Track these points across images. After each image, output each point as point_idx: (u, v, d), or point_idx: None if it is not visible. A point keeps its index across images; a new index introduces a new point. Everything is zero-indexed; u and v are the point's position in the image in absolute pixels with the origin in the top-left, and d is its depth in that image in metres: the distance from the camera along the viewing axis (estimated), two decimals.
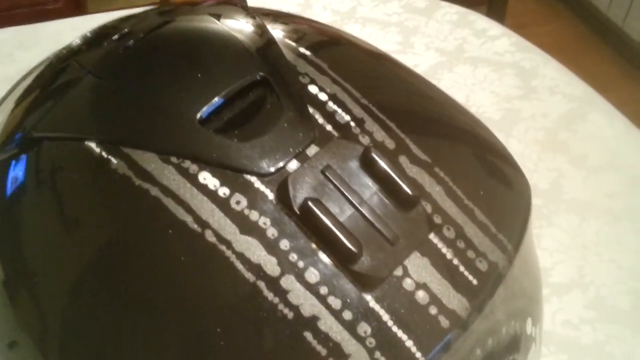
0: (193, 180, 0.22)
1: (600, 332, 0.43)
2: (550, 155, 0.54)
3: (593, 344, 0.43)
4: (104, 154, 0.23)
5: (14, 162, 0.25)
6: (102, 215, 0.23)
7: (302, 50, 0.26)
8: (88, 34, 0.28)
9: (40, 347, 0.25)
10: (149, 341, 0.22)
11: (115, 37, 0.26)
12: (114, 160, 0.23)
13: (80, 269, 0.23)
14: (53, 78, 0.26)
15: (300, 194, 0.21)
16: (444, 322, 0.21)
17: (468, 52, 0.66)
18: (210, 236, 0.21)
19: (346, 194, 0.21)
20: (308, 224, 0.21)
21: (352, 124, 0.23)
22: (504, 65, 0.65)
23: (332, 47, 0.28)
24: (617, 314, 0.44)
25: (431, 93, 0.28)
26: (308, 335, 0.20)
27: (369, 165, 0.22)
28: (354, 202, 0.21)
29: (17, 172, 0.25)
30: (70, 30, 0.69)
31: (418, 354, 0.21)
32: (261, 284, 0.21)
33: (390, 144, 0.23)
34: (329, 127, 0.23)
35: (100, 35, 0.28)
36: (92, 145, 0.23)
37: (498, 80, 0.63)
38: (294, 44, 0.26)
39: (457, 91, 0.62)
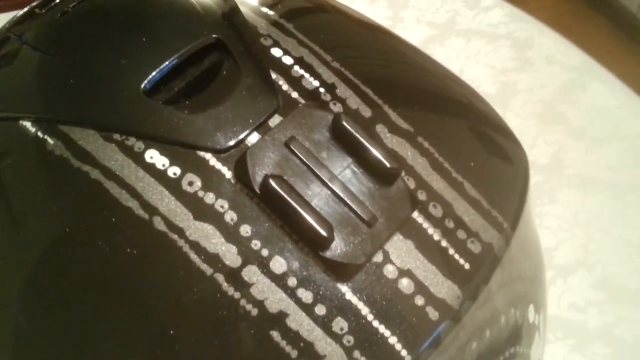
0: (138, 159, 0.19)
1: (609, 314, 0.41)
2: (549, 128, 0.52)
3: (601, 327, 0.40)
4: (39, 133, 0.20)
5: None
6: (39, 203, 0.20)
7: (264, 10, 0.23)
8: (26, 8, 0.25)
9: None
10: (100, 343, 0.19)
11: (53, 4, 0.23)
12: (50, 141, 0.20)
13: (19, 269, 0.20)
14: None
15: (261, 171, 0.18)
16: (433, 313, 0.18)
17: (460, 25, 0.63)
18: (159, 224, 0.18)
19: (314, 169, 0.18)
20: (271, 205, 0.18)
21: (322, 89, 0.20)
22: (498, 36, 0.62)
23: (302, 9, 0.24)
24: (626, 293, 0.42)
25: (421, 62, 0.25)
26: (275, 335, 0.18)
27: (340, 136, 0.19)
28: (324, 178, 0.18)
29: None
30: None
31: (404, 352, 0.18)
32: (220, 277, 0.18)
33: (365, 112, 0.20)
34: (294, 94, 0.20)
35: (38, 5, 0.24)
36: (27, 124, 0.20)
37: (492, 52, 0.61)
38: (254, 3, 0.23)
39: (450, 65, 0.59)
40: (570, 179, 0.48)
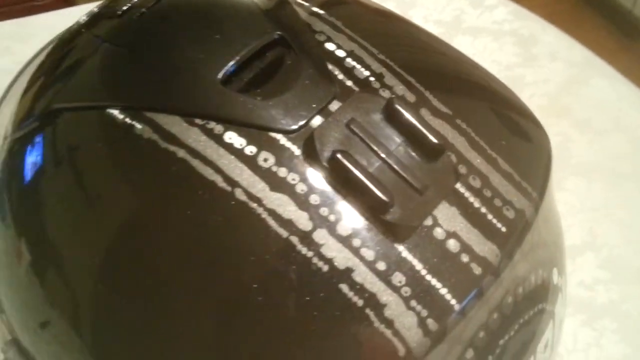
0: (219, 140, 0.22)
1: (615, 292, 0.44)
2: (555, 120, 0.54)
3: (609, 304, 0.43)
4: (127, 119, 0.23)
5: (34, 136, 0.25)
6: (129, 181, 0.23)
7: (314, 9, 0.26)
8: (95, 10, 0.28)
9: (73, 323, 0.25)
10: (185, 306, 0.22)
11: (125, 7, 0.26)
12: (138, 125, 0.22)
13: (109, 240, 0.23)
14: (67, 51, 0.26)
15: (326, 147, 0.21)
16: (477, 269, 0.21)
17: (466, 23, 0.66)
18: (240, 194, 0.21)
19: (372, 146, 0.21)
20: (337, 177, 0.21)
21: (372, 78, 0.23)
22: (503, 33, 0.65)
23: (343, 6, 0.27)
24: (631, 273, 0.45)
25: (445, 49, 0.28)
26: (344, 287, 0.21)
27: (392, 117, 0.22)
28: (381, 153, 0.21)
29: (38, 145, 0.25)
30: (64, 20, 0.68)
31: (453, 301, 0.21)
32: (294, 239, 0.21)
33: (410, 97, 0.23)
34: (349, 83, 0.23)
35: (109, 8, 0.27)
36: (115, 112, 0.23)
37: (498, 49, 0.64)
38: (306, 3, 0.26)
39: None
40: (576, 167, 0.51)
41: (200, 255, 0.21)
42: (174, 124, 0.22)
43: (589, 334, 0.41)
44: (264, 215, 0.21)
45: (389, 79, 0.23)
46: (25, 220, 0.26)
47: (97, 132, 0.24)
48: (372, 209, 0.21)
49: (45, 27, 0.67)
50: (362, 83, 0.23)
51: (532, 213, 0.23)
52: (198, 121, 0.22)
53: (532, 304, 0.24)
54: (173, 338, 0.22)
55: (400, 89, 0.23)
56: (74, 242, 0.24)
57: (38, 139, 0.25)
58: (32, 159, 0.26)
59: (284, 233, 0.21)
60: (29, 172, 0.26)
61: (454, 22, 0.66)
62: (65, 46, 0.27)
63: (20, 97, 0.29)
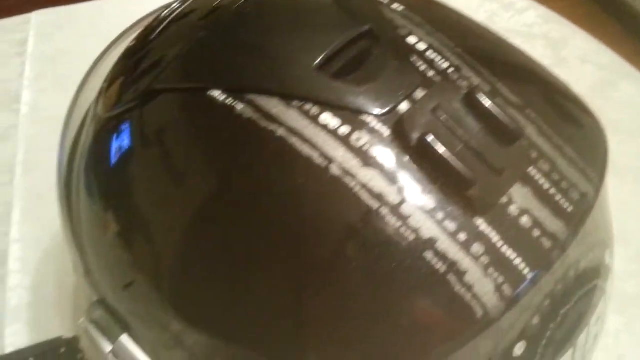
0: (315, 120, 0.24)
1: None
2: None
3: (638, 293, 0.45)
4: (228, 101, 0.25)
5: (133, 114, 0.28)
6: (229, 156, 0.25)
7: (394, 6, 0.28)
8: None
9: (157, 283, 0.27)
10: (277, 271, 0.24)
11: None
12: (238, 106, 0.25)
13: (206, 209, 0.25)
14: (166, 36, 0.29)
15: (414, 130, 0.24)
16: (547, 243, 0.24)
17: (498, 25, 0.68)
18: (335, 170, 0.23)
19: (455, 130, 0.24)
20: (424, 156, 0.23)
21: (451, 70, 0.26)
22: (533, 36, 0.67)
23: (418, 3, 0.30)
24: None
25: (505, 43, 0.30)
26: (428, 255, 0.23)
27: (472, 105, 0.24)
28: (463, 137, 0.24)
29: (137, 123, 0.28)
30: (105, 9, 0.71)
31: (526, 271, 0.23)
32: (384, 210, 0.23)
33: (486, 88, 0.26)
34: (430, 74, 0.25)
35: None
36: (216, 93, 0.25)
37: (529, 51, 0.66)
38: (386, 1, 0.28)
39: None
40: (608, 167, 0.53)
41: (297, 224, 0.24)
42: (273, 105, 0.24)
43: (618, 320, 0.43)
44: (357, 188, 0.23)
45: (466, 71, 0.26)
46: (115, 194, 0.28)
47: (198, 111, 0.26)
48: (456, 185, 0.23)
49: (87, 16, 0.69)
50: (443, 74, 0.25)
51: (593, 196, 0.25)
52: (296, 103, 0.24)
53: (589, 280, 0.26)
54: (255, 298, 0.24)
55: (476, 80, 0.26)
56: (167, 213, 0.26)
57: (137, 117, 0.28)
58: (130, 135, 0.28)
59: (374, 205, 0.23)
60: (125, 148, 0.28)
61: (486, 24, 0.69)
62: (162, 30, 0.29)
63: (110, 79, 0.31)
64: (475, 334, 0.23)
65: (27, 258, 0.48)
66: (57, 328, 0.43)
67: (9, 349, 0.43)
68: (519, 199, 0.24)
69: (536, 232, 0.24)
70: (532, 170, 0.24)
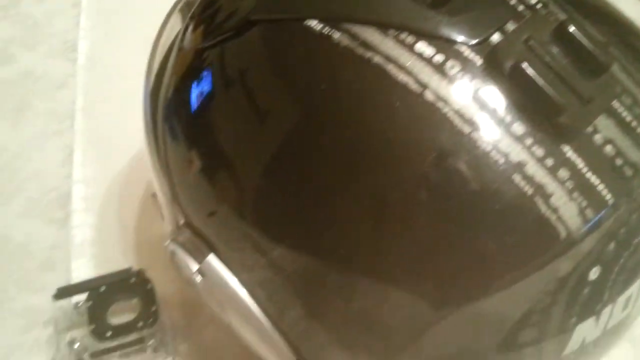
0: (410, 49, 0.25)
1: None
2: None
3: None
4: (325, 30, 0.26)
5: (229, 45, 0.29)
6: (326, 85, 0.26)
7: None
8: None
9: (240, 212, 0.29)
10: (366, 190, 0.25)
11: None
12: (335, 35, 0.26)
13: (298, 133, 0.27)
14: None
15: (507, 59, 0.25)
16: (628, 171, 0.25)
17: None
18: (429, 95, 0.25)
19: (546, 60, 0.25)
20: (516, 84, 0.24)
21: (539, 5, 0.27)
22: None
23: None
24: None
25: None
26: (516, 177, 0.24)
27: (563, 38, 0.25)
28: (554, 67, 0.25)
29: (232, 54, 0.29)
30: None
31: (608, 197, 0.24)
32: (476, 135, 0.24)
33: (572, 24, 0.27)
34: (520, 8, 0.26)
35: None
36: (313, 23, 0.27)
37: None
38: None
39: None
40: None
41: (392, 146, 0.25)
42: (369, 33, 0.26)
43: None
44: (450, 114, 0.24)
45: (553, 7, 0.27)
46: (210, 123, 0.30)
47: (295, 41, 0.27)
48: (546, 112, 0.24)
49: None
50: (532, 9, 0.26)
51: None
52: (392, 32, 0.25)
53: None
54: (334, 216, 0.26)
55: (562, 15, 0.27)
56: (261, 139, 0.28)
57: (232, 48, 0.29)
58: (224, 66, 0.29)
59: (466, 129, 0.24)
60: (218, 79, 0.30)
61: None
62: None
63: (200, 11, 0.32)
64: (559, 254, 0.24)
65: (90, 197, 0.50)
66: (119, 262, 0.45)
67: (75, 281, 0.45)
68: (603, 129, 0.25)
69: (618, 161, 0.25)
70: (615, 103, 0.26)
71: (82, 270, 0.46)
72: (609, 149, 0.25)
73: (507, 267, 0.25)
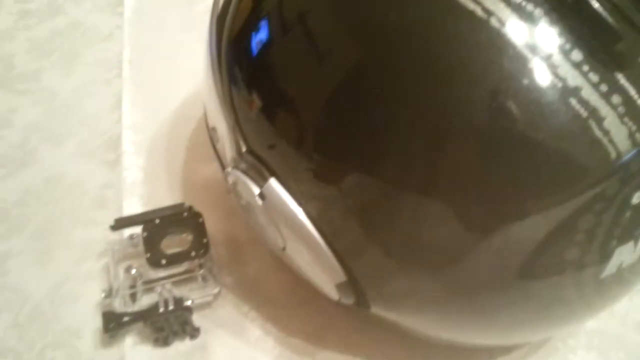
0: None
1: None
2: None
3: None
4: None
5: None
6: (394, 13, 0.28)
7: None
8: None
9: (296, 146, 0.31)
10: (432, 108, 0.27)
11: None
12: None
13: (364, 58, 0.29)
14: None
15: None
16: None
17: None
18: (494, 22, 0.26)
19: None
20: (577, 12, 0.26)
21: None
22: None
23: None
24: None
25: None
26: (572, 101, 0.26)
27: None
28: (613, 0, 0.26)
29: None
30: None
31: None
32: (536, 61, 0.26)
33: None
34: None
35: None
36: None
37: None
38: None
39: None
40: None
41: (455, 70, 0.27)
42: None
43: None
44: (513, 39, 0.26)
45: None
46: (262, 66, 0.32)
47: None
48: (603, 41, 0.26)
49: None
50: None
51: None
52: None
53: None
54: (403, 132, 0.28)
55: None
56: (325, 66, 0.30)
57: None
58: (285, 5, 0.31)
59: (528, 55, 0.26)
60: (278, 18, 0.32)
61: None
62: None
63: None
64: (609, 174, 0.26)
65: (139, 142, 0.53)
66: (167, 201, 0.47)
67: None
68: None
69: None
70: None
71: (133, 208, 0.48)
72: None
73: (560, 186, 0.27)
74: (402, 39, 0.28)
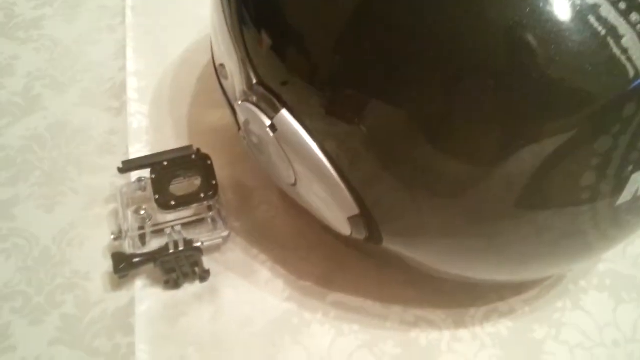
0: None
1: None
2: None
3: None
4: None
5: None
6: None
7: None
8: None
9: (309, 81, 0.30)
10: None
11: None
12: None
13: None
14: None
15: None
16: None
17: None
18: None
19: None
20: None
21: None
22: None
23: None
24: None
25: None
26: (591, 18, 0.25)
27: None
28: None
29: None
30: None
31: None
32: None
33: None
34: None
35: None
36: None
37: None
38: None
39: None
40: None
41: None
42: None
43: None
44: None
45: None
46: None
47: None
48: None
49: None
50: None
51: None
52: None
53: None
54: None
55: None
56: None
57: None
58: None
59: None
60: None
61: None
62: None
63: None
64: (627, 93, 0.26)
65: (143, 89, 0.52)
66: (174, 146, 0.47)
67: None
68: None
69: None
70: None
71: (139, 154, 0.48)
72: None
73: (578, 105, 0.26)
74: None
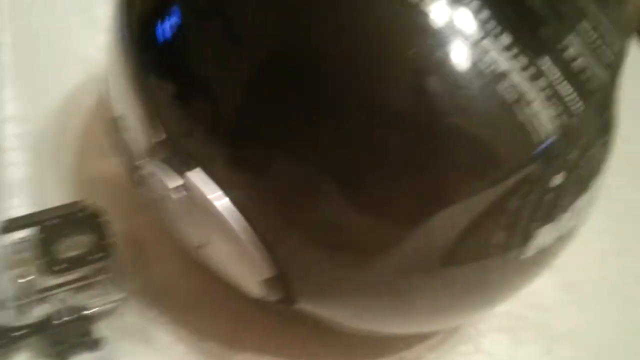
0: None
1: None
2: None
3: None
4: None
5: None
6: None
7: None
8: None
9: (220, 135, 0.29)
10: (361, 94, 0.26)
11: None
12: None
13: (280, 44, 0.27)
14: None
15: None
16: (594, 83, 0.28)
17: None
18: (424, 6, 0.26)
19: None
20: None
21: None
22: None
23: None
24: None
25: None
26: (502, 85, 0.26)
27: None
28: None
29: None
30: None
31: (579, 104, 0.27)
32: (466, 44, 0.26)
33: None
34: None
35: None
36: None
37: None
38: None
39: None
40: None
41: (382, 55, 0.26)
42: None
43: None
44: (442, 24, 0.26)
45: None
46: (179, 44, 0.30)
47: None
48: (529, 24, 0.27)
49: None
50: None
51: (626, 54, 0.30)
52: None
53: (611, 129, 0.31)
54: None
55: None
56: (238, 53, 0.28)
57: None
58: None
59: (457, 39, 0.26)
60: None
61: None
62: None
63: None
64: (534, 157, 0.27)
65: (24, 135, 0.48)
66: (57, 201, 0.43)
67: None
68: (573, 47, 0.28)
69: (588, 73, 0.28)
70: (583, 23, 0.28)
71: (19, 210, 0.44)
72: (579, 62, 0.28)
73: (487, 170, 0.27)
74: (322, 20, 0.27)
